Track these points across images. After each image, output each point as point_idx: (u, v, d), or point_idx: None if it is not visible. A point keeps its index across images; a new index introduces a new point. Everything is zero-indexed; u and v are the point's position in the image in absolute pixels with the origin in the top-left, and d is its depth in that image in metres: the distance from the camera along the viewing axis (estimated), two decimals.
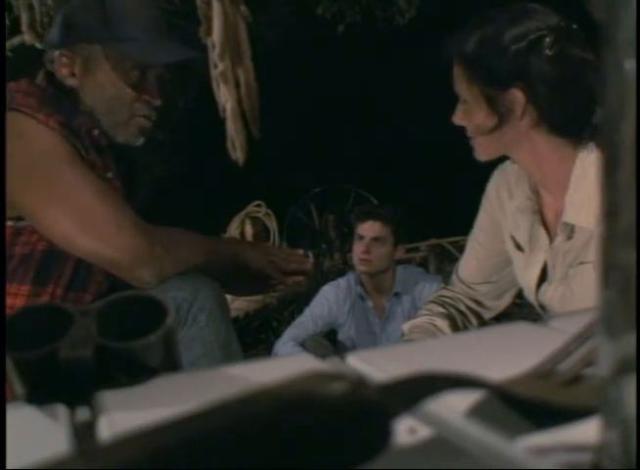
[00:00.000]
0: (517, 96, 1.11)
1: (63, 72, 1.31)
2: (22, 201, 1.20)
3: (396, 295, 2.74)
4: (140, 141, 1.37)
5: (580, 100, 1.10)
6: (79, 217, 1.17)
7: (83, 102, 1.31)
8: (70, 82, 1.31)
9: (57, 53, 1.31)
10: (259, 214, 4.92)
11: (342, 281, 2.85)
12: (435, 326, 1.36)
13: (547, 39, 1.09)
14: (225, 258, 1.30)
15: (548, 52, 1.09)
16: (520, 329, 0.51)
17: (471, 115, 1.17)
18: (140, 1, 1.36)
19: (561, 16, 1.13)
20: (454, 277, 1.44)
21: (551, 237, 1.21)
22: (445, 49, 1.18)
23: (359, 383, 0.26)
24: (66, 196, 1.18)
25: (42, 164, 1.19)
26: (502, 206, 1.31)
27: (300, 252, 1.44)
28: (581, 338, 0.38)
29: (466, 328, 1.40)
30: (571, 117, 1.11)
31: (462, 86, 1.17)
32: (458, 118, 1.19)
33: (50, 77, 1.34)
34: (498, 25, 1.12)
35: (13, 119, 1.19)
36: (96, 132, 1.29)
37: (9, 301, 1.21)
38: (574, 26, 1.12)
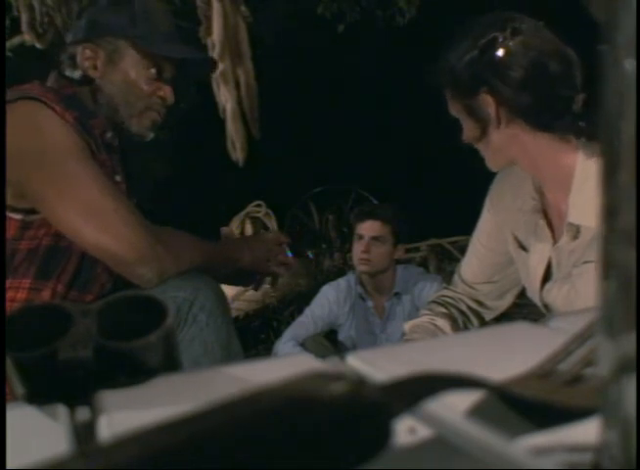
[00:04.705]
0: (486, 99, 1.15)
1: (85, 65, 1.38)
2: (32, 188, 1.21)
3: (396, 295, 2.74)
4: (150, 136, 1.43)
5: (548, 89, 1.12)
6: (87, 209, 1.19)
7: (102, 92, 1.37)
8: (92, 74, 1.38)
9: (80, 47, 1.38)
10: (259, 214, 4.91)
11: (342, 281, 2.85)
12: (436, 326, 1.36)
13: (498, 40, 1.13)
14: (226, 263, 1.33)
15: (499, 53, 1.13)
16: (520, 329, 0.51)
17: (465, 130, 1.22)
18: (161, 8, 1.47)
19: (513, 12, 1.17)
20: (456, 277, 1.45)
21: (555, 236, 1.21)
22: (432, 79, 1.24)
23: (359, 383, 0.26)
24: (75, 187, 1.20)
25: (55, 154, 1.21)
26: (506, 206, 1.31)
27: (281, 238, 1.49)
28: (581, 338, 0.38)
29: (467, 328, 1.40)
30: (544, 108, 1.13)
31: (451, 107, 1.23)
32: (464, 137, 1.24)
33: (61, 79, 1.38)
34: (456, 43, 1.18)
35: (31, 107, 1.23)
36: (109, 135, 1.35)
37: (10, 294, 1.22)
38: (529, 19, 1.16)
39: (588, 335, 0.38)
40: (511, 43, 1.12)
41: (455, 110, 1.22)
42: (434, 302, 1.44)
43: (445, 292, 1.45)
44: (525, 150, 1.17)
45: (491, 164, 1.24)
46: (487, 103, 1.15)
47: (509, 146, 1.18)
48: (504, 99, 1.14)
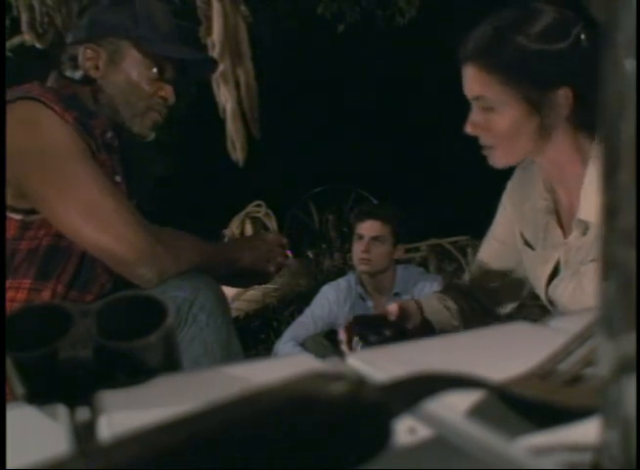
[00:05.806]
0: (562, 97, 1.08)
1: (87, 65, 1.38)
2: (32, 188, 1.22)
3: (396, 295, 2.73)
4: (152, 136, 1.43)
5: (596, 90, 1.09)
6: (87, 209, 1.19)
7: (104, 92, 1.37)
8: (94, 74, 1.38)
9: (81, 48, 1.38)
10: (259, 214, 4.91)
11: (342, 281, 2.85)
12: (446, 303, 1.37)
13: (582, 32, 1.06)
14: (226, 263, 1.33)
15: (586, 44, 1.06)
16: (520, 329, 0.51)
17: (500, 119, 1.11)
18: (162, 8, 1.47)
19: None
20: (467, 274, 1.45)
21: (565, 234, 1.21)
22: (465, 53, 1.13)
23: (359, 383, 0.26)
24: (75, 187, 1.20)
25: (55, 154, 1.22)
26: (518, 204, 1.31)
27: (282, 239, 1.50)
28: (581, 338, 0.38)
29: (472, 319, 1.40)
30: (591, 108, 1.07)
31: (491, 91, 1.11)
32: (473, 127, 1.15)
33: (61, 80, 1.38)
34: (531, 27, 1.07)
35: (30, 107, 1.23)
36: (109, 135, 1.35)
37: (11, 294, 1.22)
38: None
39: (588, 335, 0.38)
40: (584, 36, 1.05)
41: (503, 97, 1.10)
42: (446, 285, 1.47)
43: (457, 281, 1.47)
44: (560, 151, 1.14)
45: (506, 159, 1.16)
46: (562, 101, 1.08)
47: (547, 144, 1.13)
48: (583, 98, 1.06)
